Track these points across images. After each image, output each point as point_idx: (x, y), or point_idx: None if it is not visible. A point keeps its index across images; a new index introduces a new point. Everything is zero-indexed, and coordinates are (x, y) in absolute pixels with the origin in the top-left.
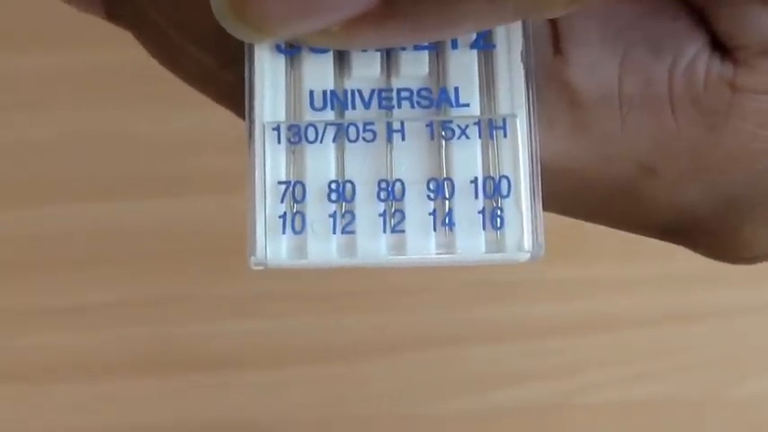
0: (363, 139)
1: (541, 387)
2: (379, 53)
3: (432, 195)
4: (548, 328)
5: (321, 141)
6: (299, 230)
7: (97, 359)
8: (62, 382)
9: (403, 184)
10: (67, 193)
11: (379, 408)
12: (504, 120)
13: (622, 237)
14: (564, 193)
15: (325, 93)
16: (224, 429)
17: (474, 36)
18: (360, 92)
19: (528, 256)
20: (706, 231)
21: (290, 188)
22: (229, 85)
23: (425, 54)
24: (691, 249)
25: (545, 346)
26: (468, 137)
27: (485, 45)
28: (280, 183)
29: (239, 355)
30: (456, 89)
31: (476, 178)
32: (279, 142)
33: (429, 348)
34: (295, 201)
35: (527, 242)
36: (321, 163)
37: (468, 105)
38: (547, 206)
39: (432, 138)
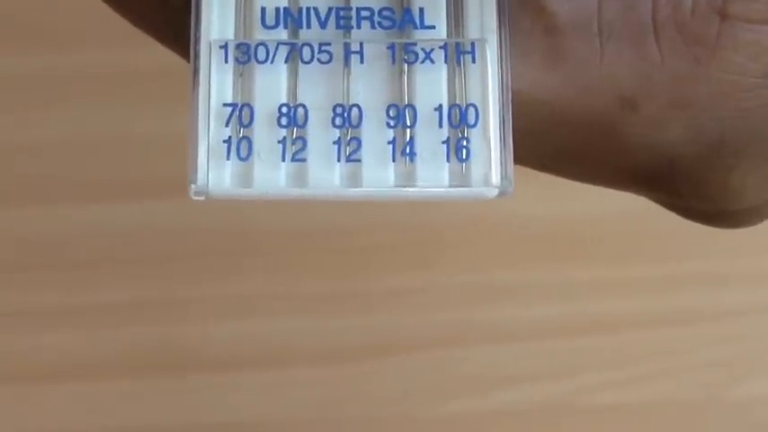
0: (318, 60)
1: (541, 389)
2: None
3: (391, 123)
4: (547, 330)
5: (272, 62)
6: (245, 157)
7: (97, 360)
8: (62, 382)
9: (360, 109)
10: (68, 194)
11: (378, 409)
12: (472, 44)
13: (623, 238)
14: (535, 129)
15: (277, 10)
16: (224, 430)
17: None
18: (316, 10)
19: (496, 191)
20: (689, 177)
21: (237, 111)
22: (176, 13)
23: None
24: (669, 201)
25: (545, 347)
26: (432, 61)
27: None
28: (225, 105)
29: (239, 356)
30: (421, 10)
31: (440, 106)
32: (226, 61)
33: (429, 349)
34: (241, 125)
35: (495, 176)
36: (271, 85)
37: (433, 28)
38: (515, 144)
39: (393, 61)
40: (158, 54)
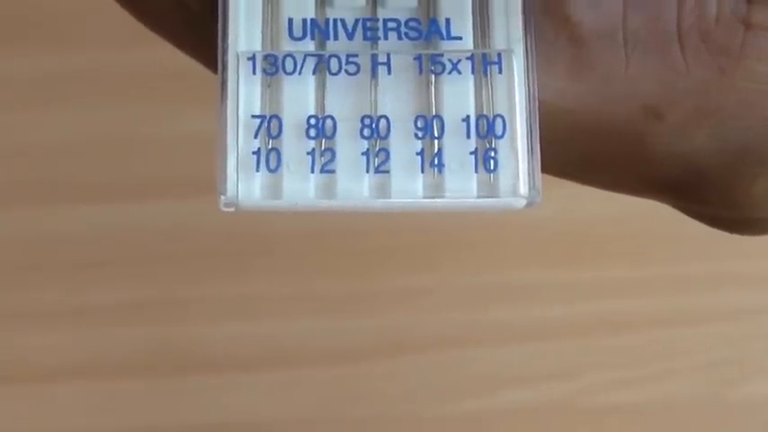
0: (346, 71)
1: (551, 388)
2: None
3: (419, 134)
4: (557, 330)
5: (300, 73)
6: (274, 168)
7: (98, 360)
8: (62, 382)
9: (388, 120)
10: (68, 195)
11: (382, 409)
12: (499, 55)
13: (632, 239)
14: (559, 138)
15: (305, 21)
16: (226, 431)
17: None
18: (343, 21)
19: (524, 201)
20: (715, 185)
21: (265, 123)
22: (197, 18)
23: None
24: (694, 209)
25: (554, 347)
26: (459, 72)
27: None
28: (254, 117)
29: (241, 356)
30: (447, 21)
31: (468, 117)
32: (254, 73)
33: (439, 349)
34: (270, 136)
35: (523, 186)
36: (299, 96)
37: (460, 38)
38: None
39: (420, 72)
40: (160, 56)
